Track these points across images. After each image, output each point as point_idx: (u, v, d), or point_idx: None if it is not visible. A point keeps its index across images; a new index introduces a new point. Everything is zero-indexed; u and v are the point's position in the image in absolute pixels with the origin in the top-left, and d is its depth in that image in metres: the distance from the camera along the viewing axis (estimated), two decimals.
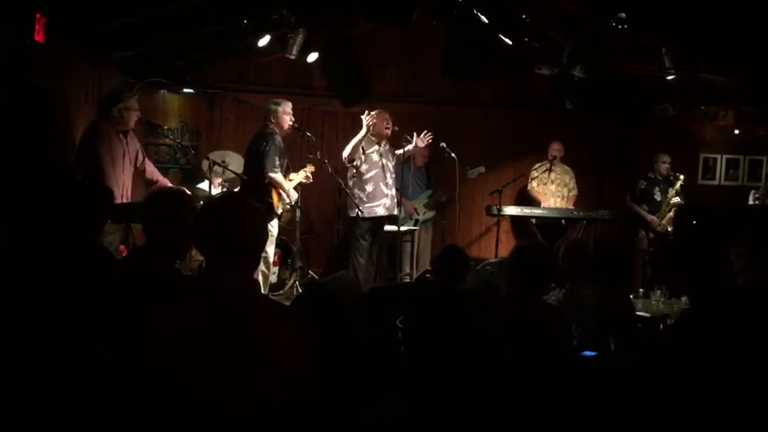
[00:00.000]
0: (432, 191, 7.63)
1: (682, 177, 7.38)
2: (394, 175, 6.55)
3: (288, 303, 5.11)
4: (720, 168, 8.69)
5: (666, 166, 7.44)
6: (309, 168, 6.36)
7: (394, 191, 6.55)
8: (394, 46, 7.93)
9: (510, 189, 7.75)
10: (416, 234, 7.41)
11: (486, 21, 6.18)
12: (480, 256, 7.99)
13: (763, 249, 3.46)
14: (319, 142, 6.80)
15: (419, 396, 2.81)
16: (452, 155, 6.84)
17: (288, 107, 6.07)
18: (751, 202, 7.77)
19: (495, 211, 7.30)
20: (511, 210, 7.44)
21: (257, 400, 1.73)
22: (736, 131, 8.47)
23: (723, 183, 8.62)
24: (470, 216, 8.37)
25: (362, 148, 6.31)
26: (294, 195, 6.13)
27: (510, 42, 6.45)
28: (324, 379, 1.84)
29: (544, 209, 7.57)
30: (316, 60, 6.92)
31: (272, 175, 5.86)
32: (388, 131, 6.44)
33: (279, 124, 6.00)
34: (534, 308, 3.02)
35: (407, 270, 7.23)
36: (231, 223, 1.91)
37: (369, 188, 6.36)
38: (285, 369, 1.78)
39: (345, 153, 6.29)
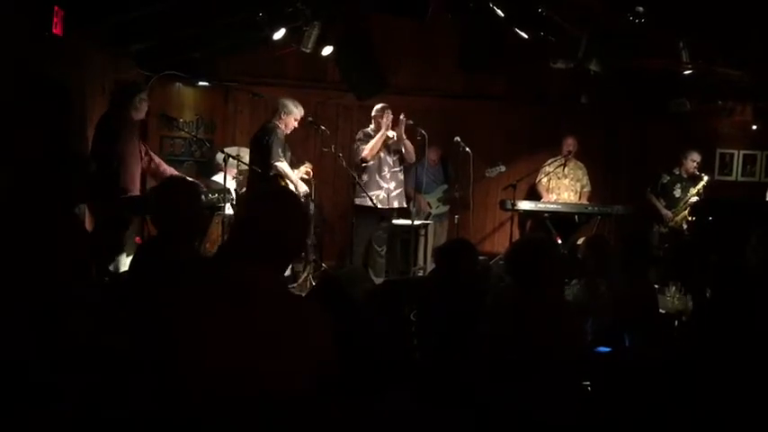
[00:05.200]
0: (448, 186, 7.62)
1: (706, 178, 7.29)
2: (395, 170, 6.60)
3: (302, 296, 5.13)
4: (737, 164, 8.61)
5: (695, 164, 7.35)
6: (307, 166, 6.39)
7: (392, 185, 6.58)
8: (409, 40, 7.92)
9: (524, 184, 7.72)
10: (430, 228, 7.41)
11: (503, 14, 6.15)
12: (494, 250, 7.98)
13: None
14: (333, 136, 6.80)
15: (432, 388, 2.82)
16: (467, 149, 6.83)
17: (300, 114, 6.21)
18: None
19: (509, 206, 7.28)
20: (525, 204, 7.42)
21: (274, 388, 1.74)
22: (754, 127, 8.38)
23: (740, 179, 8.54)
24: (484, 210, 8.35)
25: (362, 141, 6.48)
26: (303, 187, 6.16)
27: (526, 36, 6.41)
28: (339, 370, 1.85)
29: (558, 203, 7.53)
30: (330, 54, 6.92)
31: (277, 164, 5.95)
32: (390, 126, 6.51)
33: (285, 122, 6.13)
34: (534, 300, 3.00)
35: (421, 264, 7.23)
36: (275, 219, 1.91)
37: (364, 178, 6.49)
38: (304, 357, 1.80)
39: (364, 153, 6.40)
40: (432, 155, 7.38)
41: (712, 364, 2.29)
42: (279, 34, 6.33)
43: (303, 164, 6.42)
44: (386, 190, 6.57)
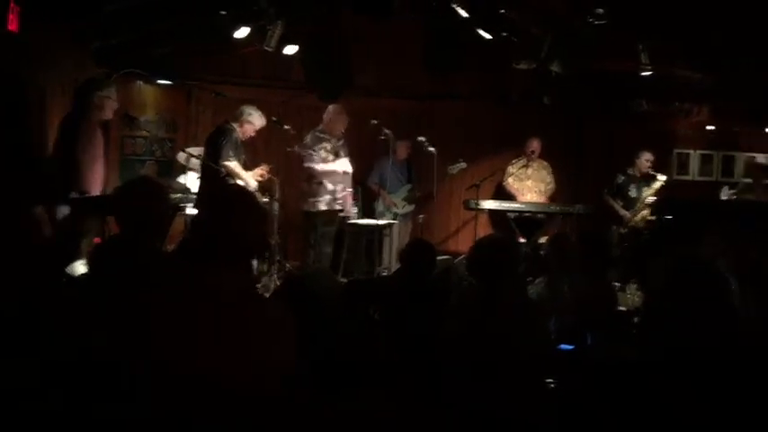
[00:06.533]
0: (412, 185, 7.64)
1: (663, 178, 7.40)
2: (349, 172, 6.59)
3: (267, 296, 5.09)
4: (694, 164, 8.81)
5: (648, 164, 7.46)
6: (263, 168, 6.36)
7: (341, 187, 6.57)
8: (374, 40, 7.90)
9: (488, 183, 7.79)
10: (394, 228, 7.42)
11: (465, 15, 6.19)
12: (458, 250, 8.03)
13: (735, 244, 3.53)
14: (298, 135, 6.76)
15: (398, 387, 2.82)
16: (431, 149, 6.86)
17: (260, 124, 6.23)
18: (724, 198, 7.89)
19: (473, 206, 7.34)
20: (488, 204, 7.48)
21: (239, 387, 1.74)
22: (711, 128, 8.58)
23: (697, 178, 8.75)
24: (448, 210, 8.40)
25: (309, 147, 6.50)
26: (253, 184, 6.14)
27: (489, 37, 6.47)
28: (304, 370, 1.85)
29: (521, 203, 7.61)
30: (295, 53, 6.89)
31: (226, 163, 5.95)
32: (342, 129, 6.50)
33: (243, 128, 6.14)
34: (498, 299, 3.03)
35: (386, 264, 7.24)
36: (235, 219, 1.91)
37: (314, 183, 6.47)
38: (268, 358, 1.79)
39: (311, 164, 6.47)
40: (400, 151, 7.39)
41: (664, 359, 2.34)
42: (242, 33, 6.27)
43: (258, 166, 6.39)
44: (334, 192, 6.55)
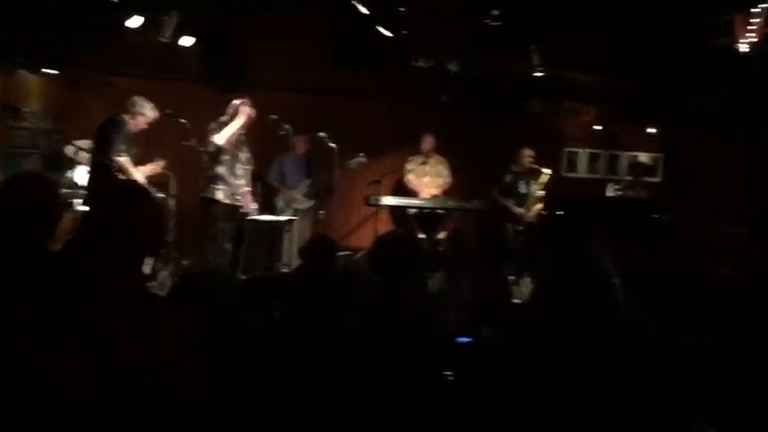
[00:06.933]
0: (312, 181, 7.61)
1: (549, 172, 7.70)
2: (247, 167, 6.50)
3: (162, 294, 4.94)
4: (583, 162, 9.25)
5: (530, 159, 7.73)
6: (157, 164, 6.18)
7: (242, 182, 6.47)
8: (274, 34, 7.82)
9: (388, 179, 7.86)
10: (295, 224, 7.37)
11: (365, 12, 6.23)
12: (359, 246, 8.07)
13: (619, 241, 3.72)
14: (193, 129, 6.58)
15: (299, 385, 2.81)
16: (331, 144, 6.85)
17: (152, 116, 6.00)
18: (611, 194, 8.33)
19: (374, 202, 7.39)
20: (389, 200, 7.56)
21: (133, 388, 1.69)
22: (597, 127, 9.03)
23: (585, 175, 9.18)
24: (349, 206, 8.42)
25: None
26: (142, 180, 5.92)
27: (389, 34, 6.53)
28: (203, 369, 1.81)
29: (421, 199, 7.74)
30: (191, 45, 6.71)
31: (117, 158, 5.75)
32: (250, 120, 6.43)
33: (134, 120, 5.93)
34: (398, 294, 3.07)
35: (286, 260, 7.17)
36: (129, 216, 1.84)
37: (218, 171, 6.27)
38: (162, 357, 1.75)
39: (219, 140, 6.17)
40: (299, 146, 7.33)
41: (551, 352, 2.44)
42: (134, 22, 6.05)
43: (152, 161, 6.18)
44: (234, 186, 6.43)
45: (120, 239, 1.83)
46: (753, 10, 5.73)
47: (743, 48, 5.87)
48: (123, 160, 5.77)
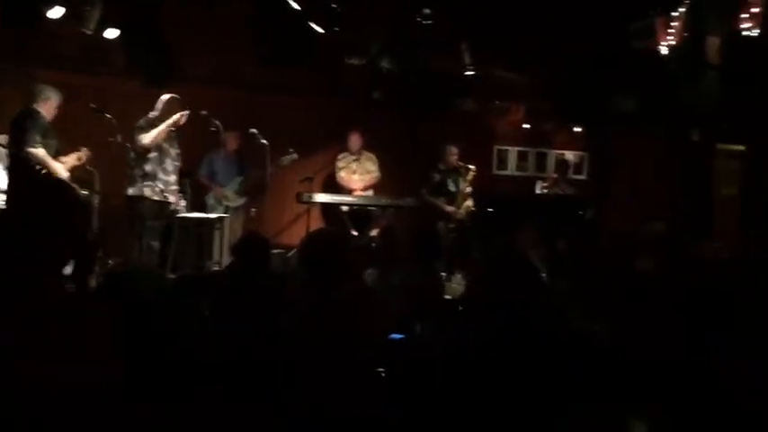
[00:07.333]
0: (243, 178, 7.50)
1: (473, 168, 7.81)
2: (177, 163, 6.39)
3: (83, 295, 4.79)
4: (512, 160, 9.44)
5: (455, 157, 7.84)
6: (82, 152, 6.02)
7: (172, 179, 6.35)
8: (204, 27, 7.65)
9: (321, 177, 7.84)
10: (226, 221, 7.26)
11: (297, 8, 6.18)
12: (291, 243, 8.01)
13: (546, 237, 3.81)
14: (119, 124, 6.39)
15: (232, 388, 2.77)
16: (263, 141, 6.78)
17: (58, 100, 5.86)
18: (538, 192, 8.53)
19: (306, 199, 7.35)
20: (321, 197, 7.53)
21: (56, 391, 1.63)
22: (526, 126, 9.23)
23: (514, 173, 9.38)
24: (281, 203, 8.34)
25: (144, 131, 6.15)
26: (63, 173, 5.80)
27: (321, 31, 6.50)
28: (129, 372, 1.77)
29: (353, 197, 7.74)
30: (115, 37, 6.50)
31: (33, 150, 5.57)
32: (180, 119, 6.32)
33: (45, 108, 5.78)
34: (329, 292, 3.07)
35: (217, 258, 7.06)
36: (53, 214, 1.77)
37: (146, 168, 6.14)
38: (87, 358, 1.70)
39: (146, 141, 6.03)
40: (230, 143, 7.22)
41: (493, 345, 2.49)
42: (56, 13, 5.83)
43: (76, 150, 6.00)
44: (165, 182, 6.30)
45: (43, 239, 1.77)
46: (673, 13, 5.96)
47: (663, 50, 6.11)
48: (40, 152, 5.60)
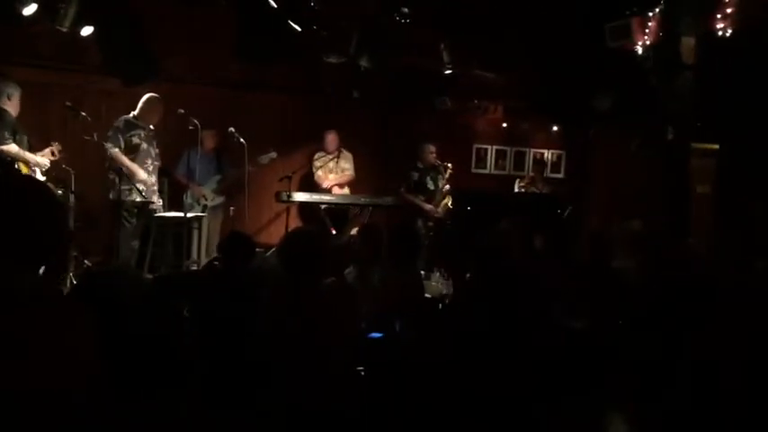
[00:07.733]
0: (222, 176, 7.46)
1: (450, 166, 7.83)
2: (157, 163, 6.36)
3: (60, 295, 4.73)
4: (491, 158, 9.48)
5: (433, 155, 7.86)
6: (54, 147, 5.98)
7: (153, 179, 6.36)
8: (183, 24, 7.58)
9: (299, 175, 7.81)
10: (204, 220, 7.22)
11: (274, 5, 6.15)
12: (270, 242, 7.97)
13: (524, 234, 3.83)
14: (96, 123, 6.31)
15: (212, 389, 2.76)
16: (241, 140, 6.75)
17: (15, 91, 5.80)
18: (516, 190, 8.58)
19: (285, 198, 7.33)
20: (300, 196, 7.51)
21: (33, 394, 1.61)
22: (504, 125, 9.28)
23: (493, 171, 9.42)
24: (260, 202, 8.30)
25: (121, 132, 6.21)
26: (43, 161, 5.83)
27: (299, 29, 6.48)
28: (107, 373, 1.75)
29: (333, 195, 7.73)
30: (91, 34, 6.42)
31: (3, 147, 5.57)
32: (156, 120, 6.32)
33: (12, 105, 5.74)
34: (308, 291, 3.06)
35: (195, 257, 7.01)
36: (28, 214, 1.74)
37: (123, 171, 6.13)
38: (62, 360, 1.68)
39: (113, 151, 6.12)
40: (208, 141, 7.17)
41: (476, 342, 2.50)
42: (29, 9, 5.73)
43: (49, 146, 5.95)
44: (147, 183, 6.27)
45: (18, 239, 1.74)
46: (648, 14, 6.02)
47: (639, 49, 6.17)
48: (13, 148, 5.58)
